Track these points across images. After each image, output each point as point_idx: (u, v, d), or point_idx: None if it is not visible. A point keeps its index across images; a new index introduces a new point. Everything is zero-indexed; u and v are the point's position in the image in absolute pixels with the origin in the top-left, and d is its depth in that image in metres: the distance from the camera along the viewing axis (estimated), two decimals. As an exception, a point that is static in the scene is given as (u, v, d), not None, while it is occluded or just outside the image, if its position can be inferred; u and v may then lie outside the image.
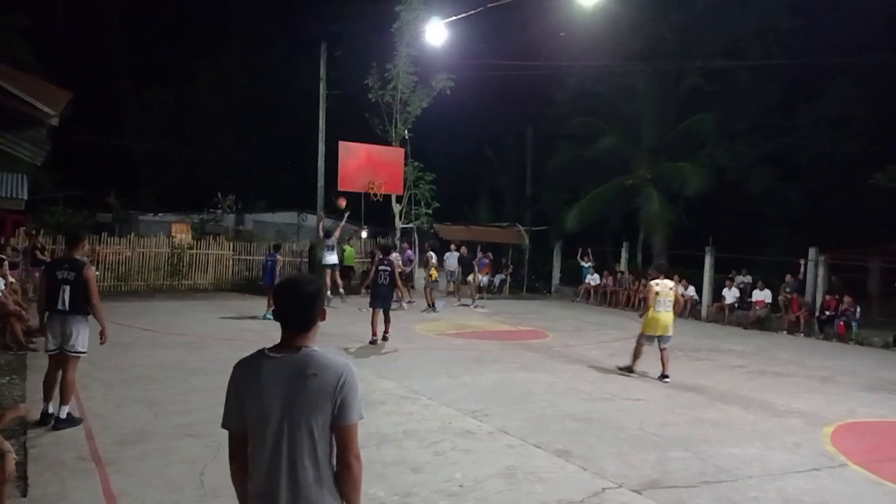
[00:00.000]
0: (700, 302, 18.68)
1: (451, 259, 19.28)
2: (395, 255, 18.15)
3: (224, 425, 2.27)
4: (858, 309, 15.28)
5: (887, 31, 20.41)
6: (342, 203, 17.91)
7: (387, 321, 11.10)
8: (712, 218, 22.16)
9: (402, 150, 21.07)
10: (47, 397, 5.95)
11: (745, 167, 23.27)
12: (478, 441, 5.97)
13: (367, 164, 19.89)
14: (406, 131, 21.32)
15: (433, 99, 21.17)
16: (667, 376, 9.08)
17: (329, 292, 16.15)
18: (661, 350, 9.22)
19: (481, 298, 19.12)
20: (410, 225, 21.73)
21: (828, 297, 15.91)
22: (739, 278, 18.49)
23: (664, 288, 9.35)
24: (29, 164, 9.52)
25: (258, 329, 12.33)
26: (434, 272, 17.51)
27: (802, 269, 17.34)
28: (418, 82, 20.96)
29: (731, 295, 17.77)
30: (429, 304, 16.45)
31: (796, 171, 23.51)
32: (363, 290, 12.11)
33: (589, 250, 22.16)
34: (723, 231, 20.41)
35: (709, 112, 22.54)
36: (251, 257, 20.53)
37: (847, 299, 15.24)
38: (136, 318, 12.91)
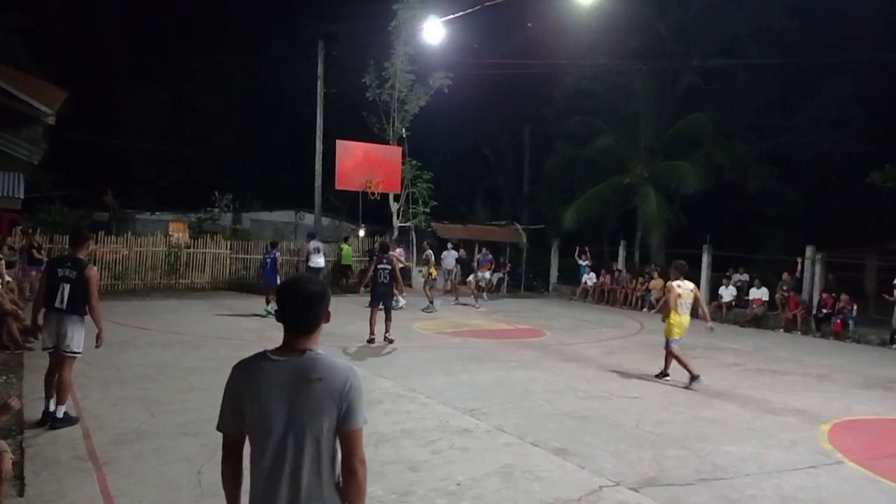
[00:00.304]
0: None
1: (449, 258, 19.26)
2: (399, 251, 18.19)
3: (219, 428, 2.21)
4: (855, 307, 15.33)
5: (884, 31, 20.46)
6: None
7: (388, 320, 10.91)
8: (709, 217, 22.23)
9: (400, 149, 21.07)
10: (48, 395, 5.93)
11: (743, 166, 23.33)
12: (475, 439, 5.97)
13: (364, 163, 19.90)
14: (403, 130, 21.33)
15: (430, 98, 21.18)
16: (667, 374, 9.05)
17: None
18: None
19: (481, 299, 18.86)
20: (408, 224, 21.74)
21: (825, 295, 15.95)
22: (736, 276, 18.54)
23: (685, 290, 8.96)
24: (26, 163, 9.50)
25: (256, 328, 12.33)
26: (433, 270, 17.53)
27: (799, 267, 17.38)
28: (416, 81, 20.97)
29: (728, 293, 17.81)
30: (430, 302, 16.45)
31: (793, 171, 23.58)
32: (362, 290, 11.95)
33: (586, 249, 22.19)
34: (720, 230, 20.47)
35: (706, 111, 22.60)
36: (248, 256, 20.51)
37: (844, 297, 15.29)
38: (133, 317, 12.89)
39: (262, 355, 2.17)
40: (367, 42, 22.25)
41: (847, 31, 20.92)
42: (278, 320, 2.20)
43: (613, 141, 24.01)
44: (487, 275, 19.51)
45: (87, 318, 5.92)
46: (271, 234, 24.59)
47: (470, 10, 15.29)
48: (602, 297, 21.09)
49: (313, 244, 17.74)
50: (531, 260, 24.81)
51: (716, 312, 17.84)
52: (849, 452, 6.12)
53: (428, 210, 21.92)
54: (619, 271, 21.62)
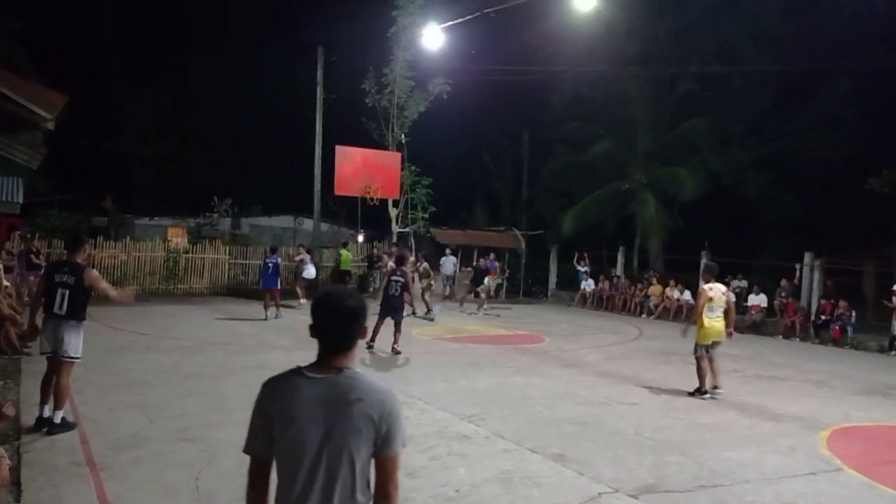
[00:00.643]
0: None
1: (448, 263, 19.25)
2: (411, 260, 17.99)
3: (247, 450, 2.06)
4: (854, 313, 15.33)
5: (880, 35, 20.53)
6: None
7: (397, 332, 10.53)
8: (707, 222, 22.26)
9: (399, 155, 21.09)
10: (44, 400, 5.91)
11: (740, 172, 23.38)
12: (474, 445, 5.96)
13: (363, 169, 19.91)
14: (403, 135, 21.35)
15: (430, 103, 21.22)
16: (717, 387, 8.42)
17: (301, 300, 16.54)
18: (710, 358, 8.49)
19: (482, 306, 18.24)
20: (407, 229, 21.73)
21: (823, 301, 15.95)
22: (735, 283, 18.52)
23: (717, 293, 8.52)
24: (24, 168, 9.50)
25: (254, 333, 12.31)
26: (433, 283, 17.43)
27: (798, 273, 17.39)
28: (415, 87, 21.01)
29: (727, 299, 17.79)
30: (429, 309, 16.42)
31: (790, 176, 23.63)
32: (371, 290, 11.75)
33: (585, 254, 22.20)
34: (718, 235, 20.49)
35: (703, 117, 22.68)
36: (247, 261, 20.50)
37: (842, 303, 15.29)
38: (131, 322, 12.86)
39: (296, 372, 2.04)
40: (367, 47, 22.33)
41: (844, 36, 21.00)
42: (312, 335, 2.06)
43: (612, 146, 24.07)
44: (493, 283, 18.94)
45: (86, 323, 5.93)
46: (270, 239, 24.56)
47: (469, 17, 15.35)
48: (601, 302, 21.09)
49: (305, 255, 17.57)
50: (530, 265, 24.81)
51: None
52: (847, 459, 6.11)
53: (427, 216, 21.93)
54: (618, 277, 21.63)
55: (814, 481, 5.46)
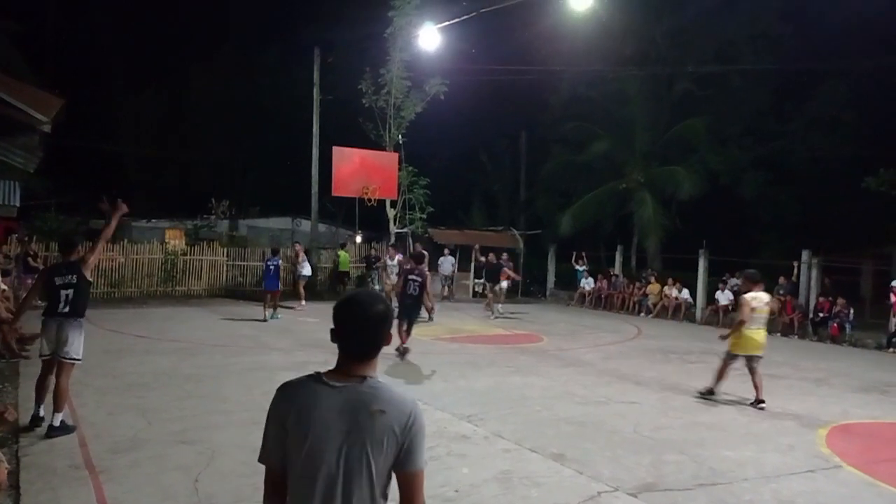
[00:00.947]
0: (694, 305, 18.74)
1: (446, 263, 19.21)
2: (398, 258, 17.86)
3: (262, 460, 1.94)
4: (852, 311, 15.36)
5: (877, 36, 20.59)
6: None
7: (408, 332, 10.23)
8: (705, 221, 22.29)
9: (396, 155, 21.08)
10: (39, 401, 5.94)
11: (737, 171, 23.44)
12: (473, 445, 5.96)
13: (361, 169, 19.90)
14: (400, 136, 21.35)
15: (427, 104, 21.21)
16: (762, 401, 7.95)
17: (303, 301, 16.68)
18: (752, 371, 8.06)
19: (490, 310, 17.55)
20: (405, 230, 21.73)
21: (821, 299, 15.99)
22: (733, 281, 18.53)
23: (760, 302, 8.01)
24: (21, 171, 9.47)
25: (252, 335, 12.30)
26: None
27: (796, 271, 17.42)
28: (412, 87, 21.00)
29: (724, 297, 17.85)
30: (427, 309, 16.35)
31: (788, 175, 23.68)
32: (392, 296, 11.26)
33: (583, 254, 22.21)
34: (716, 234, 20.51)
35: (701, 116, 22.71)
36: (245, 263, 20.48)
37: (840, 301, 15.33)
38: (130, 324, 12.85)
39: (315, 378, 1.91)
40: (364, 48, 22.32)
41: (841, 36, 21.05)
42: (333, 341, 1.94)
43: (609, 146, 24.09)
44: (505, 285, 17.86)
45: (85, 323, 5.96)
46: (268, 240, 24.56)
47: (465, 17, 15.35)
48: (599, 302, 21.11)
49: (302, 254, 17.58)
50: (528, 265, 24.81)
51: (713, 317, 17.91)
52: (846, 456, 6.13)
53: (425, 216, 21.94)
54: (616, 276, 21.65)
55: (812, 479, 5.47)
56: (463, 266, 22.49)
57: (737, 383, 9.56)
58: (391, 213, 21.57)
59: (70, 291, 5.81)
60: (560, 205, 25.73)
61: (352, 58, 22.28)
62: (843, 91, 22.63)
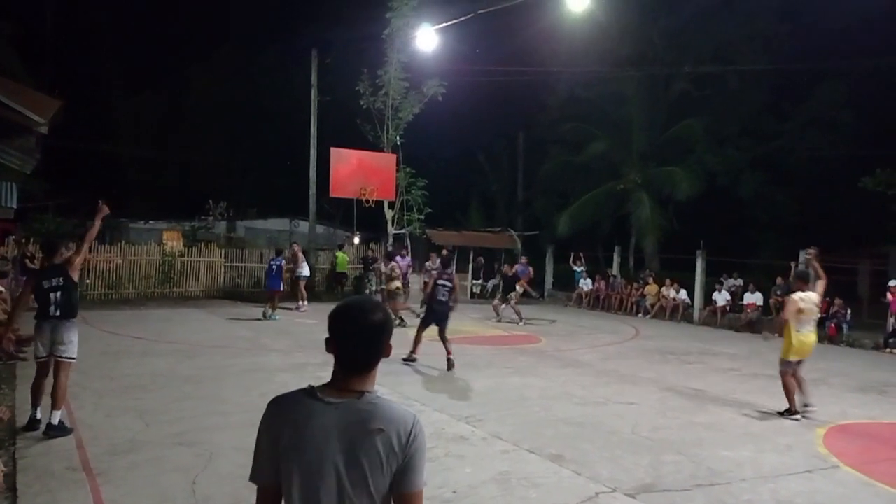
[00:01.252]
0: (692, 305, 18.76)
1: (445, 265, 19.09)
2: (405, 260, 17.58)
3: (253, 479, 1.81)
4: (849, 311, 15.38)
5: (874, 36, 20.63)
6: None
7: (446, 341, 9.76)
8: (703, 222, 22.32)
9: (394, 156, 21.09)
10: (35, 403, 5.93)
11: (735, 171, 23.47)
12: (471, 447, 5.96)
13: (359, 171, 19.90)
14: (398, 137, 21.35)
15: (424, 105, 21.22)
16: (808, 405, 7.63)
17: (304, 302, 16.69)
18: (794, 375, 7.70)
19: (496, 315, 17.01)
20: (403, 231, 21.73)
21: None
22: (730, 281, 18.59)
23: (809, 304, 7.51)
24: (18, 173, 9.45)
25: (250, 336, 12.29)
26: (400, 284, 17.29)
27: (793, 271, 17.40)
28: (409, 88, 21.01)
29: (721, 298, 17.86)
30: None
31: (785, 175, 23.73)
32: (420, 308, 11.00)
33: (581, 255, 22.22)
34: (713, 235, 20.54)
35: (698, 117, 22.73)
36: (243, 264, 20.45)
37: (838, 301, 15.34)
38: (127, 326, 12.84)
39: (308, 393, 1.78)
40: (361, 50, 22.31)
41: (838, 36, 21.10)
42: (328, 351, 1.80)
43: (607, 147, 24.11)
44: (519, 288, 17.06)
45: (78, 322, 5.99)
46: (266, 242, 24.55)
47: (463, 18, 15.35)
48: (597, 302, 21.11)
49: (301, 255, 17.61)
50: (526, 266, 24.82)
51: (710, 318, 17.92)
52: (844, 456, 6.13)
53: (422, 217, 21.94)
54: (614, 277, 21.66)
55: (810, 479, 5.48)
56: (461, 267, 22.49)
57: (734, 383, 9.59)
58: (389, 214, 21.57)
59: (58, 294, 5.84)
60: (558, 205, 25.74)
61: (350, 59, 22.28)
62: (840, 91, 22.68)
